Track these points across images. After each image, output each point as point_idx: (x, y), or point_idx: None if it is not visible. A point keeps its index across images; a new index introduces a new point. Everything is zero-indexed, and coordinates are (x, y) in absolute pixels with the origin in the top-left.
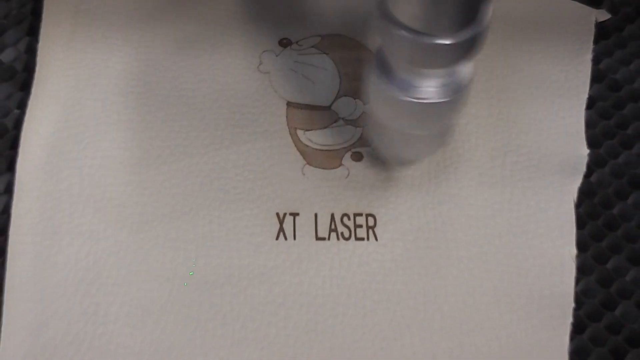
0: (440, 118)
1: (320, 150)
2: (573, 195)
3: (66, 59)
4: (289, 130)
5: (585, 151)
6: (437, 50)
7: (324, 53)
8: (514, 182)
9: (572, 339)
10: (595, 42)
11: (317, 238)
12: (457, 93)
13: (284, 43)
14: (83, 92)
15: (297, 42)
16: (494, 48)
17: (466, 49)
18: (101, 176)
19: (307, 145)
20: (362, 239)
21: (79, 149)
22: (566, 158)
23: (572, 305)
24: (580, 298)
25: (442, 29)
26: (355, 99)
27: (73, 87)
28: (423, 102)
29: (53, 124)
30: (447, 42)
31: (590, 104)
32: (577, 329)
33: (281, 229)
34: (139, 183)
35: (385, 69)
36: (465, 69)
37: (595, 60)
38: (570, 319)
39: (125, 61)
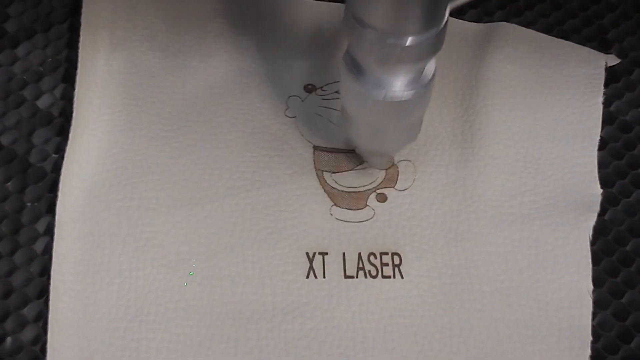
0: (408, 113)
1: (346, 191)
2: (588, 232)
3: (101, 105)
4: (316, 173)
5: (599, 190)
6: (404, 49)
7: None
8: (531, 220)
9: None
10: (606, 85)
11: (346, 276)
12: (423, 89)
13: (309, 89)
14: (118, 137)
15: (321, 88)
16: (510, 92)
17: (430, 46)
18: (138, 217)
19: (334, 187)
20: (389, 276)
21: (117, 190)
22: (581, 197)
23: (590, 338)
24: (598, 331)
25: (408, 29)
26: None
27: (109, 132)
28: (392, 99)
29: (91, 168)
30: (413, 41)
31: (602, 145)
32: None
33: (311, 268)
34: (175, 223)
35: (354, 68)
36: (429, 66)
37: (606, 103)
38: (588, 352)
39: (158, 107)
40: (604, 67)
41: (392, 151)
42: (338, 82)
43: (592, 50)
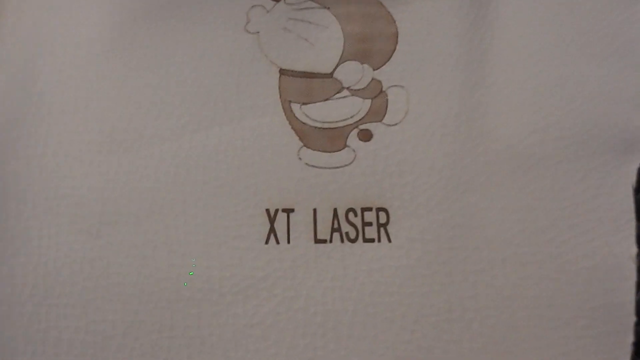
0: None
1: (320, 128)
2: (631, 178)
3: (17, 23)
4: (282, 104)
5: None
6: None
7: (324, 7)
8: (556, 163)
9: None
10: None
11: (317, 240)
12: None
13: None
14: (35, 63)
15: None
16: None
17: None
18: (54, 168)
19: (304, 123)
20: (372, 240)
21: (28, 134)
22: (620, 132)
23: (633, 318)
24: None
25: None
26: (362, 63)
27: (23, 58)
28: None
29: None
30: None
31: None
32: None
33: (272, 230)
34: (100, 175)
35: None
36: None
37: None
38: (631, 337)
39: (87, 24)
40: None
41: None
42: None
43: None
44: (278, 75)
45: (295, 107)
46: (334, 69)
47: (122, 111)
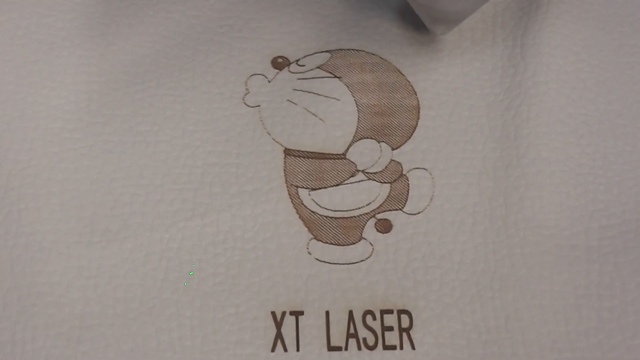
0: None
1: (332, 217)
2: None
3: None
4: (288, 190)
5: None
6: None
7: (335, 76)
8: (603, 255)
9: None
10: None
11: (330, 348)
12: None
13: (280, 63)
14: (4, 140)
15: (297, 62)
16: (572, 64)
17: None
18: (27, 262)
19: (314, 211)
20: (394, 347)
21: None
22: None
23: None
24: None
25: None
26: (379, 141)
27: None
28: None
29: None
30: None
31: None
32: None
33: (279, 336)
34: (79, 270)
35: None
36: None
37: None
38: None
39: (61, 93)
40: None
41: (463, 10)
42: (321, 52)
43: None
44: (283, 155)
45: (303, 193)
46: (347, 149)
47: (103, 195)
